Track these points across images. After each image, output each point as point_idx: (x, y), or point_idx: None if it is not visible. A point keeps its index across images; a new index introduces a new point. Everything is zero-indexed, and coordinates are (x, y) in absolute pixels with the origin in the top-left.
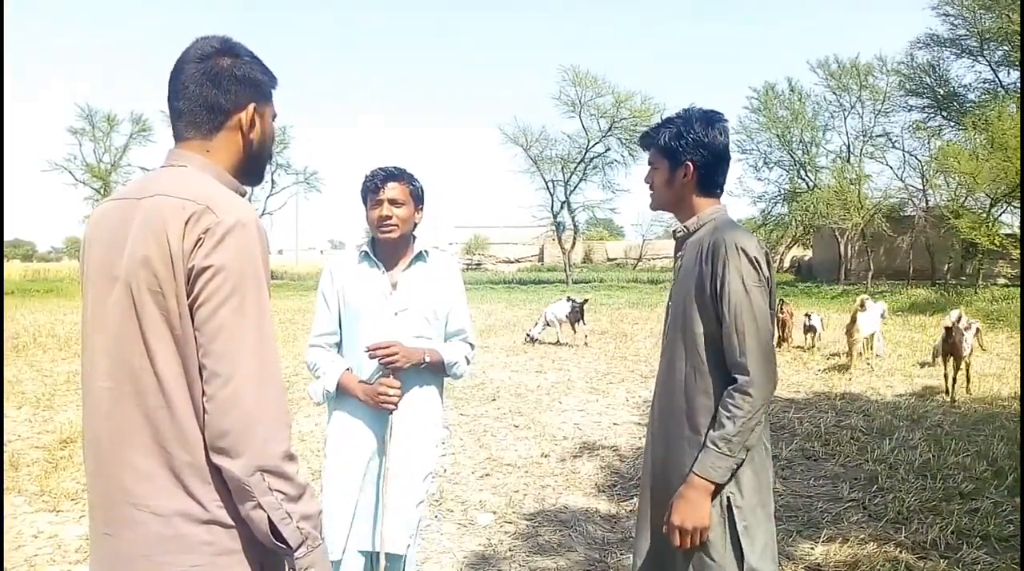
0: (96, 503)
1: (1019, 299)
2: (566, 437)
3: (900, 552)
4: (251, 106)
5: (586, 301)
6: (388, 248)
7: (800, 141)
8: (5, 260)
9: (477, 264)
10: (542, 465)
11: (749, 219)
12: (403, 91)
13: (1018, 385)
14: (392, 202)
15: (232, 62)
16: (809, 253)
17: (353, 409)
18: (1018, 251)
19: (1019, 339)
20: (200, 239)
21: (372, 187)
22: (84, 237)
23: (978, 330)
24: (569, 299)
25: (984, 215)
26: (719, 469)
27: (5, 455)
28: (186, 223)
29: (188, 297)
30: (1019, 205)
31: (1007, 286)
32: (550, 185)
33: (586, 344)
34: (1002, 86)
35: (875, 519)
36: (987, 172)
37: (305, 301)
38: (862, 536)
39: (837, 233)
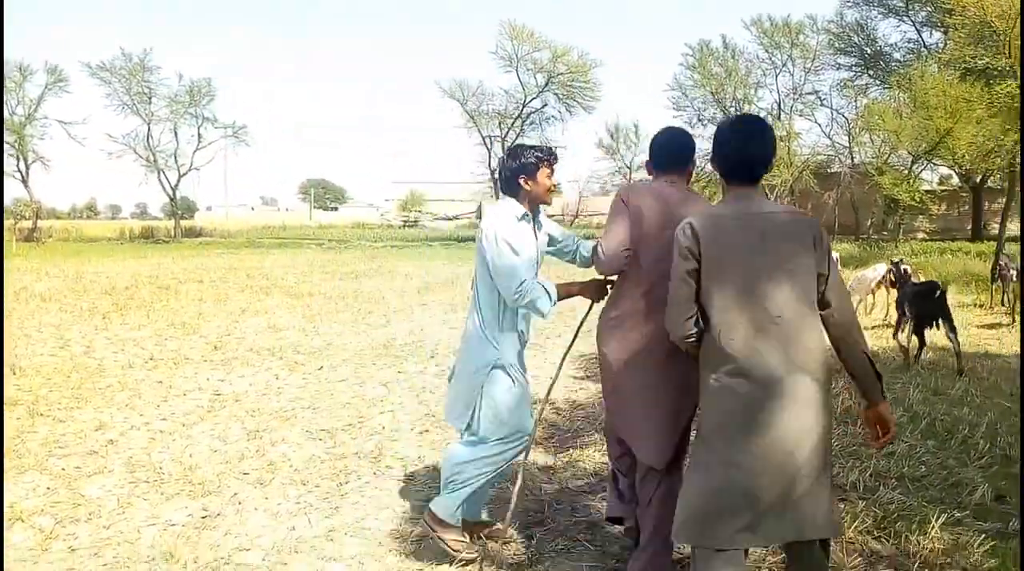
0: None
1: (940, 254)
2: None
3: None
4: None
5: None
6: (535, 210)
7: (733, 98)
8: None
9: (414, 221)
10: None
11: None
12: (337, 46)
13: None
14: None
15: None
16: None
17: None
18: (936, 207)
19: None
20: None
21: (553, 160)
22: None
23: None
24: None
25: (906, 172)
26: None
27: None
28: None
29: None
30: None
31: (926, 241)
32: (488, 141)
33: None
34: (925, 46)
35: None
36: (910, 130)
37: (235, 259)
38: None
39: (767, 189)
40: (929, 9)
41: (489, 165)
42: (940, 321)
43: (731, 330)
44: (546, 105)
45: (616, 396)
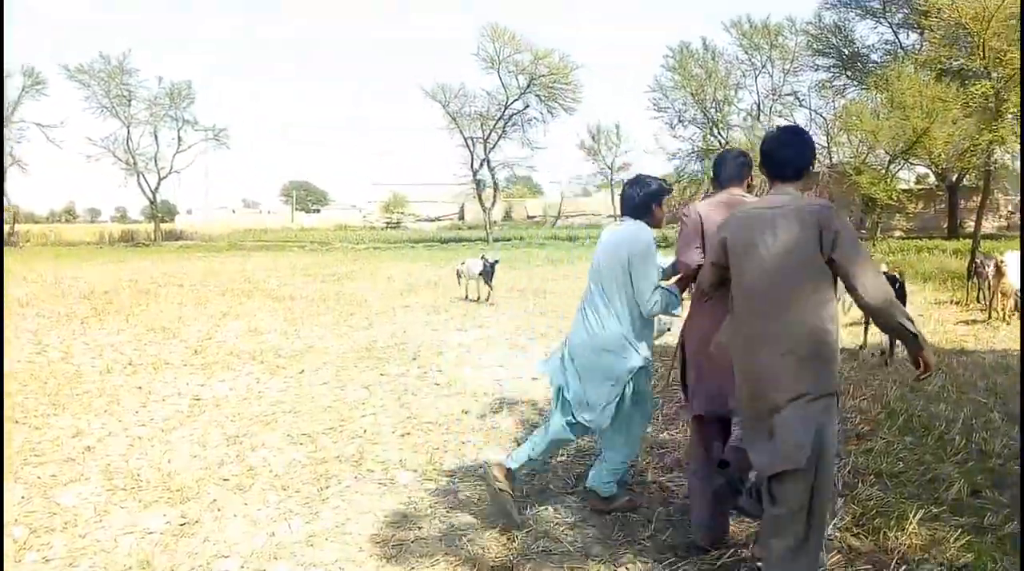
0: None
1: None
2: (486, 393)
3: None
4: None
5: (497, 261)
6: None
7: (713, 99)
8: None
9: (396, 223)
10: (462, 422)
11: (665, 175)
12: (318, 45)
13: None
14: None
15: None
16: None
17: None
18: (913, 205)
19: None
20: None
21: (670, 192)
22: None
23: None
24: (483, 257)
25: (883, 171)
26: None
27: None
28: None
29: None
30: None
31: (903, 239)
32: (470, 142)
33: (490, 304)
34: (902, 47)
35: None
36: (887, 130)
37: (216, 262)
38: None
39: (750, 188)
40: (906, 11)
41: (472, 166)
42: None
43: (736, 302)
44: (528, 107)
45: None
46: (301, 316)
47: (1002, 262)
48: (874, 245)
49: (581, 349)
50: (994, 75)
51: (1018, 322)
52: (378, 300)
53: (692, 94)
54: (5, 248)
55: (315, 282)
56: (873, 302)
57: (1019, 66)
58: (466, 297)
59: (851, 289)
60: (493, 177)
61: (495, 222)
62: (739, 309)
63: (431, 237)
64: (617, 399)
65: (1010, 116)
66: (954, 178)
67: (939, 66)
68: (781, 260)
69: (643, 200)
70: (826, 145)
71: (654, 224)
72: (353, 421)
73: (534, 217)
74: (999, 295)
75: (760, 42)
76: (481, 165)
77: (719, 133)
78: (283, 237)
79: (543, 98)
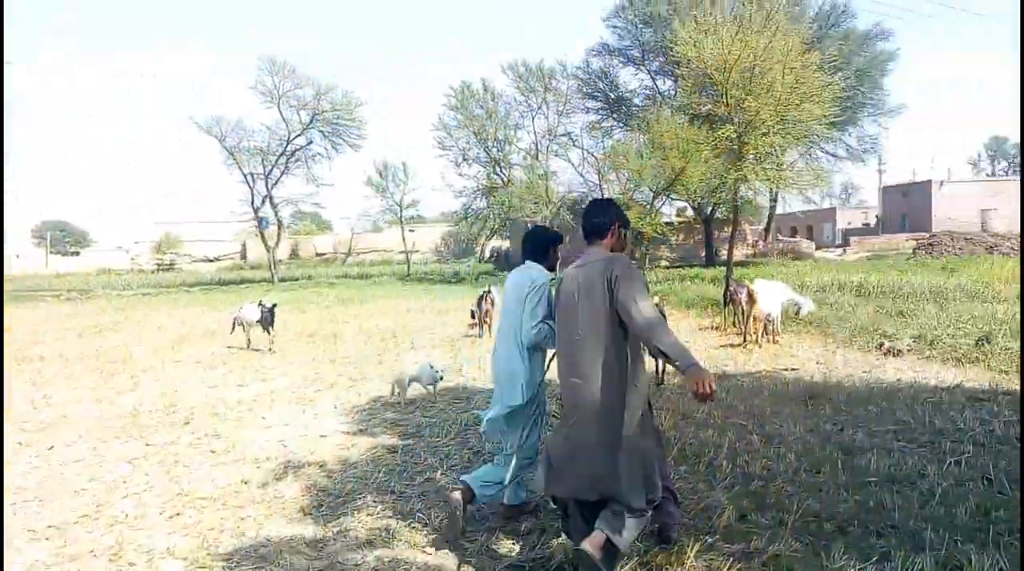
0: None
1: (712, 281)
2: (269, 458)
3: None
4: None
5: (275, 306)
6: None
7: (495, 139)
8: None
9: (169, 264)
10: (242, 493)
11: (452, 213)
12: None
13: None
14: None
15: None
16: (507, 244)
17: None
18: (675, 237)
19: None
20: None
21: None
22: None
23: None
24: (260, 303)
25: (648, 207)
26: None
27: None
28: None
29: None
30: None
31: (668, 268)
32: (250, 178)
33: (272, 352)
34: (660, 93)
35: None
36: (649, 169)
37: None
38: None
39: (529, 225)
40: (661, 60)
41: (252, 203)
42: None
43: (560, 344)
44: (311, 142)
45: None
46: (52, 379)
47: (753, 290)
48: (644, 275)
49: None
50: (736, 120)
51: (770, 346)
52: (146, 355)
53: (475, 133)
54: None
55: (71, 336)
56: (639, 329)
57: (756, 113)
58: (248, 346)
59: (626, 319)
60: (276, 214)
61: (281, 261)
62: (562, 352)
63: (209, 279)
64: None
65: (751, 157)
66: (708, 212)
67: (691, 111)
68: (585, 308)
69: (547, 244)
70: (598, 182)
71: (549, 266)
72: (111, 505)
73: (323, 254)
74: (752, 320)
75: (535, 85)
76: (263, 202)
77: (501, 171)
78: (34, 285)
79: (327, 134)
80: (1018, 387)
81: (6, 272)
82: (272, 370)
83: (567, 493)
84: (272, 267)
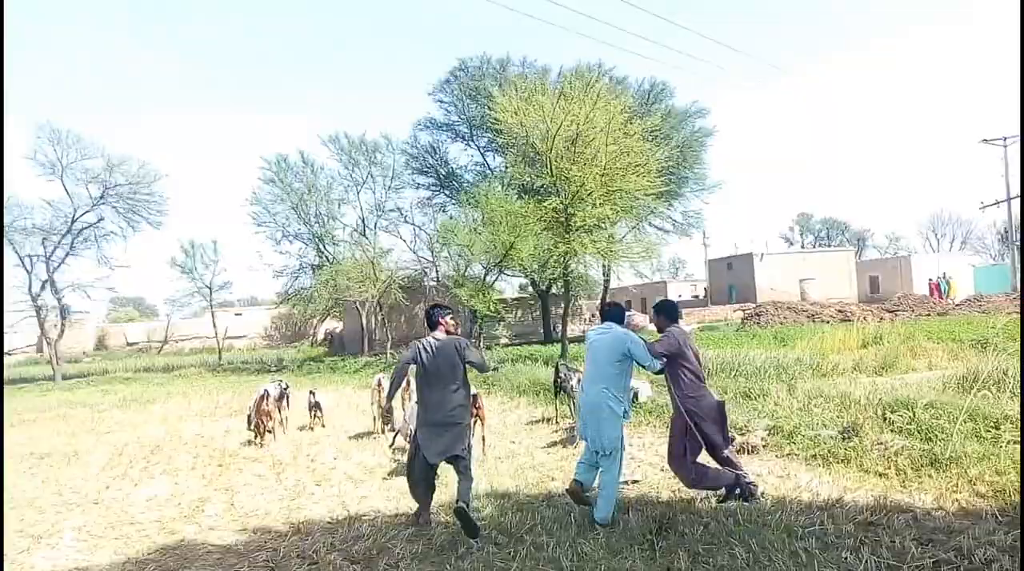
0: None
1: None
2: None
3: None
4: None
5: None
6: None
7: (317, 214)
8: None
9: None
10: None
11: (274, 293)
12: None
13: None
14: None
15: None
16: (341, 325)
17: None
18: (511, 314)
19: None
20: None
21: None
22: None
23: None
24: None
25: (480, 284)
26: None
27: None
28: None
29: None
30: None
31: (507, 346)
32: (28, 261)
33: None
34: (489, 168)
35: None
36: (480, 244)
37: None
38: None
39: (359, 305)
40: (490, 135)
41: (29, 290)
42: None
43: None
44: (102, 219)
45: None
46: None
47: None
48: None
49: None
50: (562, 192)
51: None
52: None
53: (294, 207)
54: None
55: None
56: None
57: (581, 184)
58: None
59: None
60: (60, 300)
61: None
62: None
63: None
64: None
65: (579, 230)
66: (544, 287)
67: (520, 184)
68: (453, 369)
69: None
70: (431, 260)
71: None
72: None
73: (135, 344)
74: None
75: (359, 158)
76: (43, 288)
77: (326, 248)
78: None
79: (121, 210)
80: (912, 500)
81: None
82: None
83: None
84: (54, 362)
